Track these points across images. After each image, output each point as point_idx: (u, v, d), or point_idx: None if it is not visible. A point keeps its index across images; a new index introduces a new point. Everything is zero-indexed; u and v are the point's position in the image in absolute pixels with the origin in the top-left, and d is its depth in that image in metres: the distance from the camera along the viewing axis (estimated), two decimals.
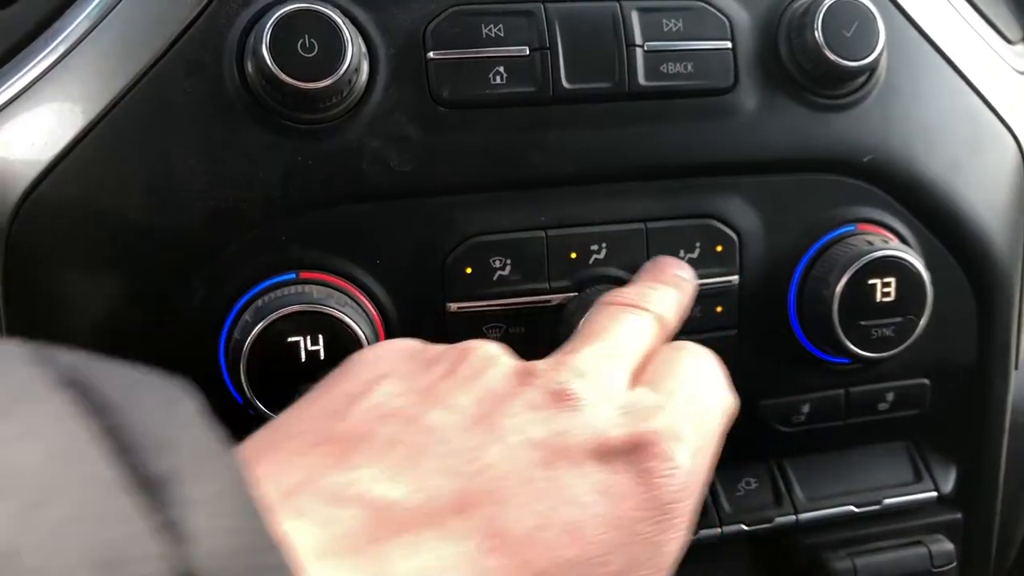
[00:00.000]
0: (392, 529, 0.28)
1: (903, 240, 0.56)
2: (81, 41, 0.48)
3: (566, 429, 0.33)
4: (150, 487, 0.19)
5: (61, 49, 0.48)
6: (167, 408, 0.21)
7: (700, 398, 0.38)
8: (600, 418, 0.34)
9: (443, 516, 0.29)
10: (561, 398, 0.34)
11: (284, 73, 0.45)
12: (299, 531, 0.27)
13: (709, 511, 0.59)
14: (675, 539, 0.34)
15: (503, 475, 0.31)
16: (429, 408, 0.33)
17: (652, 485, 0.33)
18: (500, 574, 0.29)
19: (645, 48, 0.51)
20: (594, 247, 0.52)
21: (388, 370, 0.36)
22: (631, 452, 0.33)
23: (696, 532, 0.58)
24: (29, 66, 0.49)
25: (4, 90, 0.49)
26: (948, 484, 0.63)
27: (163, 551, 0.18)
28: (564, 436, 0.33)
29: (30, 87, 0.48)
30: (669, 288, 0.46)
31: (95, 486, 0.18)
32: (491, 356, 0.36)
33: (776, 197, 0.54)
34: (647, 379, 0.38)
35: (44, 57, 0.48)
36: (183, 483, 0.19)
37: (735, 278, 0.54)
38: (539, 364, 0.36)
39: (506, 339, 0.51)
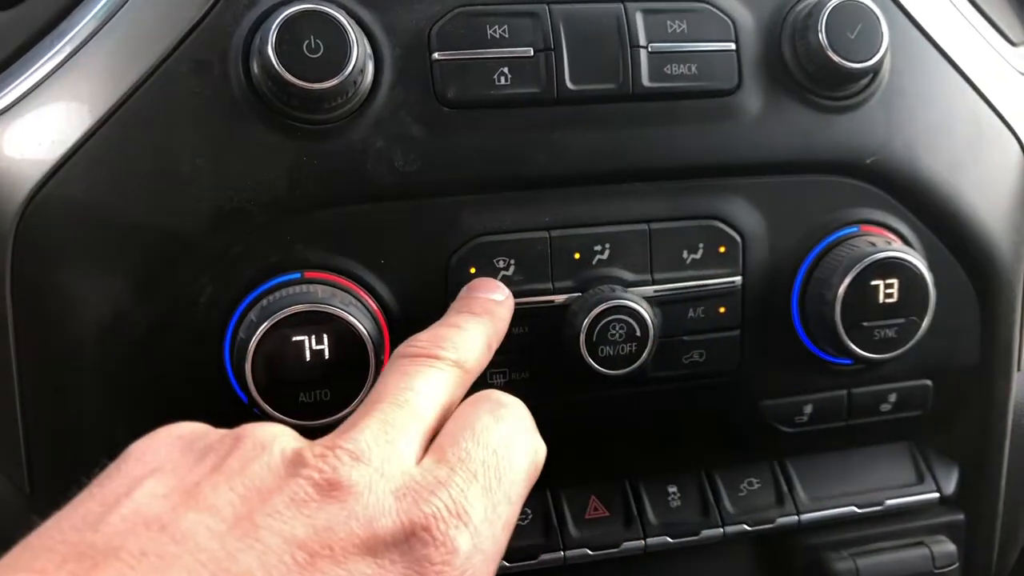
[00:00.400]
0: None
1: (906, 241, 0.57)
2: (88, 41, 0.48)
3: (331, 524, 0.31)
4: None
5: (68, 49, 0.48)
6: None
7: (497, 458, 0.36)
8: (371, 507, 0.32)
9: None
10: (329, 488, 0.32)
11: (290, 73, 0.45)
12: None
13: (711, 511, 0.59)
14: None
15: None
16: (187, 511, 0.31)
17: (425, 575, 0.31)
18: None
19: (649, 49, 0.51)
20: (597, 248, 0.52)
21: (158, 464, 0.34)
22: (404, 541, 0.32)
23: (699, 532, 0.59)
24: (36, 66, 0.49)
25: (11, 90, 0.49)
26: (950, 485, 0.63)
27: None
28: (328, 532, 0.31)
29: (37, 87, 0.48)
30: (474, 322, 0.45)
31: None
32: (263, 444, 0.34)
33: (779, 198, 0.55)
34: (440, 443, 0.36)
35: (51, 57, 0.49)
36: None
37: (738, 279, 0.54)
38: (313, 449, 0.34)
39: (509, 339, 0.51)
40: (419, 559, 0.31)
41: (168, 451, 0.35)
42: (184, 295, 0.47)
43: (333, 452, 0.33)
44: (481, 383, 0.51)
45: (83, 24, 0.49)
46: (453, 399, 0.40)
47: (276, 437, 0.35)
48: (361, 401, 0.46)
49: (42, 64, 0.49)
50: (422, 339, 0.42)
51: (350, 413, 0.47)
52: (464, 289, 0.49)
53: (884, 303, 0.53)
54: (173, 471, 0.33)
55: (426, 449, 0.36)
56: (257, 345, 0.45)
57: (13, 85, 0.49)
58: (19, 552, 0.30)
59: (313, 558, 0.30)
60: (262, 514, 0.31)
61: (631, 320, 0.50)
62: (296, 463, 0.33)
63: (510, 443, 0.37)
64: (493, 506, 0.34)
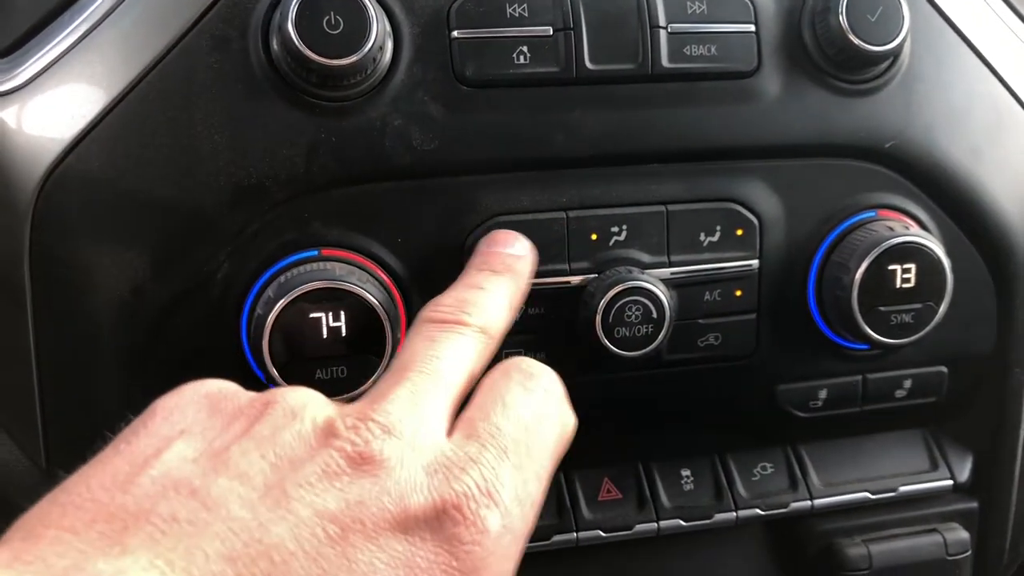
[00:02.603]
0: None
1: (923, 227, 0.56)
2: (107, 17, 0.48)
3: (363, 499, 0.31)
4: None
5: (86, 25, 0.48)
6: None
7: (528, 434, 0.36)
8: (403, 483, 0.32)
9: None
10: (361, 462, 0.32)
11: (309, 49, 0.45)
12: None
13: (725, 495, 0.59)
14: None
15: (286, 558, 0.29)
16: (217, 477, 0.31)
17: (455, 555, 0.31)
18: None
19: (669, 30, 0.51)
20: (614, 229, 0.52)
21: (186, 425, 0.34)
22: (435, 519, 0.31)
23: (712, 516, 0.59)
24: (54, 42, 0.49)
25: (29, 66, 0.49)
26: (964, 473, 0.63)
27: None
28: (360, 507, 0.31)
29: (55, 63, 0.48)
30: (496, 281, 0.44)
31: None
32: (294, 410, 0.34)
33: (797, 182, 0.54)
34: (470, 416, 0.36)
35: (69, 33, 0.49)
36: None
37: (755, 262, 0.54)
38: (344, 419, 0.33)
39: (525, 319, 0.51)
40: (449, 538, 0.31)
41: (196, 411, 0.34)
42: (202, 271, 0.48)
43: (365, 424, 0.33)
44: (497, 362, 0.52)
45: (101, 0, 0.49)
46: (479, 366, 0.40)
47: (306, 404, 0.34)
48: (377, 379, 0.47)
49: (61, 40, 0.49)
50: (446, 303, 0.42)
51: (366, 391, 0.47)
52: (482, 243, 0.48)
53: (901, 288, 0.53)
54: (201, 434, 0.33)
55: (453, 417, 0.36)
56: (274, 321, 0.45)
57: (32, 61, 0.49)
58: (47, 507, 0.30)
59: (345, 532, 0.30)
60: (293, 484, 0.31)
61: (647, 302, 0.50)
62: (328, 433, 0.33)
63: (541, 417, 0.37)
64: (523, 483, 0.34)
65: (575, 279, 0.52)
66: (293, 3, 0.45)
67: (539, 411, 0.37)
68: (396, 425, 0.33)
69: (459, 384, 0.38)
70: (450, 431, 0.35)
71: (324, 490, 0.31)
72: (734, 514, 0.59)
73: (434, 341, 0.39)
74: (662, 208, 0.52)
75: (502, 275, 0.45)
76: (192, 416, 0.34)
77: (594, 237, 0.52)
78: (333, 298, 0.45)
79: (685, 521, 0.58)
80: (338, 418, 0.33)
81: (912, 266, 0.53)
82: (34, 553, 0.27)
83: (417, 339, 0.39)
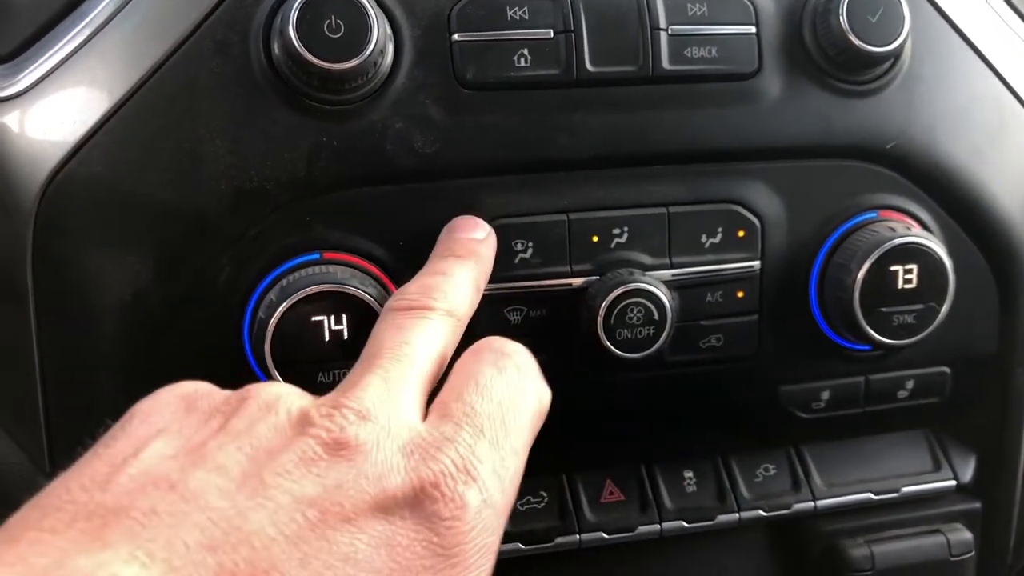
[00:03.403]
0: None
1: (925, 227, 0.56)
2: (108, 21, 0.48)
3: (341, 483, 0.31)
4: None
5: (89, 30, 0.49)
6: None
7: (502, 411, 0.36)
8: (380, 465, 0.32)
9: None
10: (337, 448, 0.32)
11: (310, 53, 0.45)
12: None
13: (727, 497, 0.59)
14: None
15: (266, 544, 0.29)
16: (195, 470, 0.31)
17: (436, 531, 0.31)
18: None
19: (669, 32, 0.51)
20: (616, 231, 0.52)
21: (163, 425, 0.34)
22: (414, 498, 0.32)
23: (714, 517, 0.59)
24: (57, 46, 0.49)
25: (32, 70, 0.49)
26: (967, 473, 0.63)
27: None
28: (339, 491, 0.31)
29: (58, 67, 0.49)
30: (459, 266, 0.45)
31: None
32: (268, 403, 0.34)
33: (799, 183, 0.54)
34: (443, 399, 0.36)
35: (72, 38, 0.49)
36: None
37: (757, 263, 0.54)
38: (319, 409, 0.34)
39: (527, 322, 0.51)
40: (429, 515, 0.31)
41: (173, 411, 0.35)
42: (204, 274, 0.48)
43: (339, 411, 0.33)
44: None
45: (103, 5, 0.49)
46: (448, 349, 0.40)
47: (280, 397, 0.35)
48: None
49: (63, 45, 0.49)
50: (411, 291, 0.42)
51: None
52: (444, 230, 0.49)
53: (903, 289, 0.53)
54: (179, 432, 0.33)
55: (427, 401, 0.37)
56: (276, 324, 0.45)
57: (34, 66, 0.49)
58: (27, 511, 0.30)
59: (324, 516, 0.30)
60: (271, 472, 0.31)
61: (649, 304, 0.50)
62: (303, 423, 0.33)
63: (514, 394, 0.37)
64: (500, 459, 0.34)
65: (576, 281, 0.52)
66: (294, 7, 0.45)
67: (513, 388, 0.37)
68: (370, 410, 0.34)
69: (430, 368, 0.38)
70: (424, 415, 0.36)
71: (301, 476, 0.31)
72: (737, 515, 0.59)
73: (402, 328, 0.39)
74: (663, 210, 0.52)
75: (465, 259, 0.46)
76: (169, 416, 0.35)
77: (595, 239, 0.52)
78: (335, 301, 0.46)
79: (688, 523, 0.58)
80: (312, 408, 0.34)
81: (914, 267, 0.53)
82: (15, 554, 0.28)
83: (384, 328, 0.40)
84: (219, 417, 0.34)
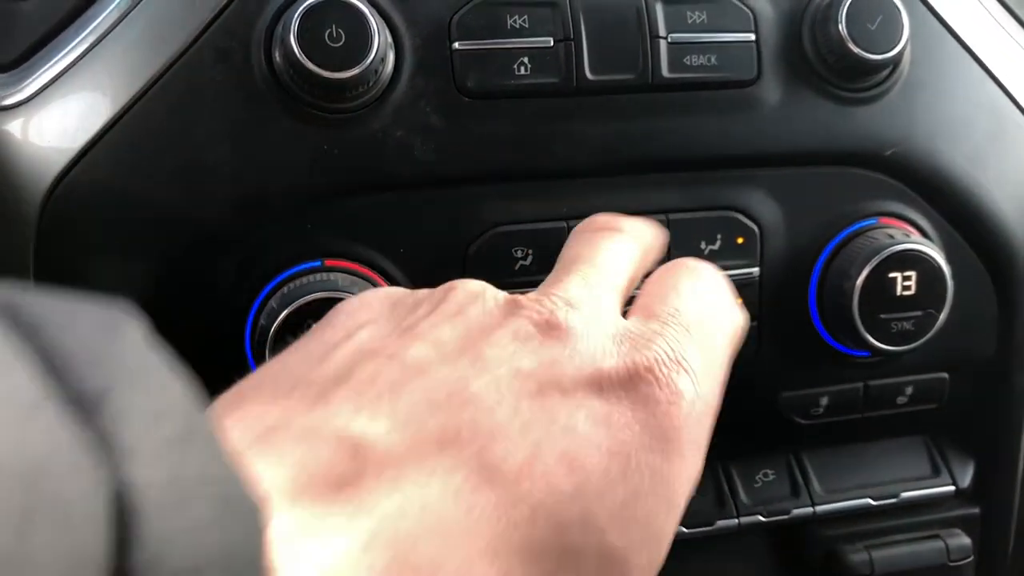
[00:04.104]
0: (373, 466, 0.26)
1: (924, 234, 0.56)
2: (111, 30, 0.49)
3: (556, 359, 0.31)
4: (81, 402, 0.17)
5: (92, 38, 0.49)
6: (106, 330, 0.19)
7: (702, 322, 0.35)
8: (592, 347, 0.32)
9: (427, 451, 0.27)
10: (550, 328, 0.32)
11: (311, 62, 0.45)
12: (270, 471, 0.25)
13: (727, 502, 0.59)
14: (683, 470, 0.31)
15: (490, 407, 0.29)
16: (410, 344, 0.31)
17: (653, 414, 0.30)
18: (491, 510, 0.27)
19: (669, 40, 0.51)
20: None
21: (371, 317, 0.34)
22: (628, 381, 0.31)
23: (713, 522, 0.59)
24: (60, 55, 0.49)
25: (36, 78, 0.49)
26: (966, 478, 0.63)
27: (92, 462, 0.16)
28: (554, 366, 0.31)
29: (61, 75, 0.49)
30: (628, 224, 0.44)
31: (17, 400, 0.16)
32: (475, 292, 0.34)
33: (798, 190, 0.54)
34: (644, 303, 0.35)
35: (75, 46, 0.49)
36: (120, 397, 0.17)
37: (756, 270, 0.54)
38: (525, 296, 0.34)
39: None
40: (644, 398, 0.31)
41: (378, 307, 0.35)
42: (206, 282, 0.48)
43: (548, 298, 0.33)
44: None
45: (106, 13, 0.49)
46: (638, 271, 0.39)
47: (485, 287, 0.35)
48: None
49: (66, 53, 0.49)
50: (599, 217, 0.42)
51: None
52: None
53: (902, 295, 0.53)
54: (388, 320, 0.34)
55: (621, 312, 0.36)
56: (277, 332, 0.45)
57: (37, 74, 0.50)
58: (241, 387, 0.30)
59: (542, 389, 0.30)
60: (487, 345, 0.31)
61: None
62: (512, 306, 0.33)
63: (715, 307, 0.37)
64: (708, 363, 0.34)
65: None
66: (295, 16, 0.45)
67: (713, 301, 0.37)
68: (576, 300, 0.33)
69: (624, 282, 0.37)
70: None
71: (516, 351, 0.31)
72: (736, 521, 0.59)
73: (594, 244, 0.39)
74: (663, 217, 0.53)
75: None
76: (376, 310, 0.35)
77: None
78: None
79: (687, 528, 0.59)
80: (519, 296, 0.34)
81: (913, 273, 0.53)
82: (237, 416, 0.28)
83: (577, 243, 0.39)
84: (427, 305, 0.34)
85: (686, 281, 0.37)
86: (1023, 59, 0.61)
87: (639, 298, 0.36)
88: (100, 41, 0.49)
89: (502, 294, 0.35)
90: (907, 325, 0.54)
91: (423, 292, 0.36)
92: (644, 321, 0.34)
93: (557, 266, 0.38)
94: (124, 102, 0.47)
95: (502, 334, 0.32)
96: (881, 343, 0.53)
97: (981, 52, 0.58)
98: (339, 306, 0.36)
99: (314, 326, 0.35)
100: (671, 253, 0.53)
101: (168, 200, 0.47)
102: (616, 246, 0.39)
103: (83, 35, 0.49)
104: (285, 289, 0.47)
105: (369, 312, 0.35)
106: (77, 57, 0.49)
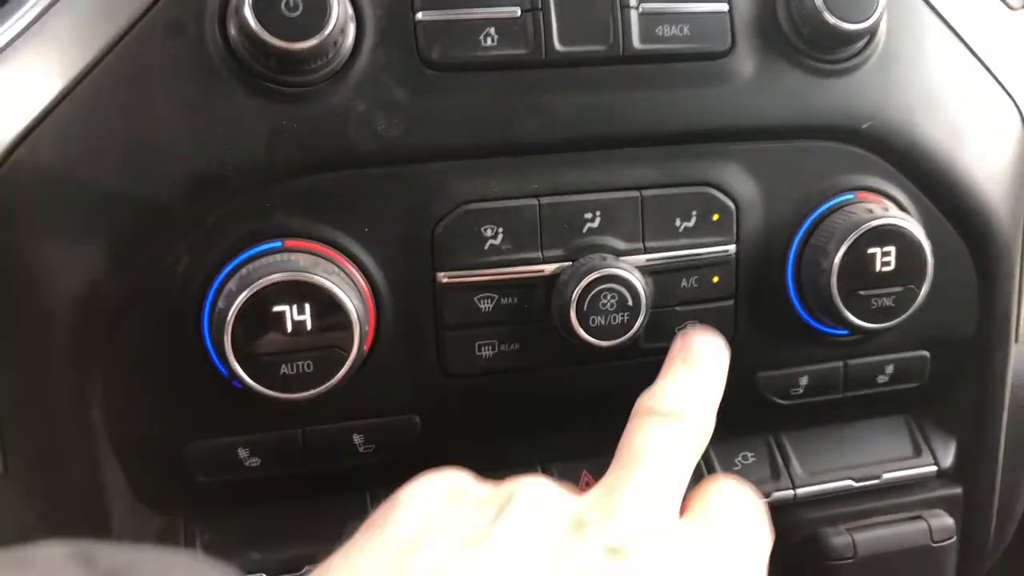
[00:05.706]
0: None
1: (903, 208, 0.55)
2: (57, 1, 0.46)
3: None
4: None
5: (37, 9, 0.47)
6: None
7: (743, 541, 0.39)
8: (660, 571, 0.34)
9: None
10: (617, 556, 0.34)
11: (268, 33, 0.43)
12: None
13: None
14: None
15: None
16: (486, 559, 0.33)
17: None
18: None
19: (640, 10, 0.50)
20: (588, 215, 0.51)
21: (435, 515, 0.36)
22: None
23: None
24: (3, 28, 0.47)
25: None
26: (948, 458, 0.62)
27: None
28: None
29: (4, 49, 0.47)
30: (706, 376, 0.45)
31: None
32: (539, 501, 0.36)
33: (774, 165, 0.53)
34: (692, 517, 0.39)
35: (19, 18, 0.47)
36: None
37: (732, 247, 0.53)
38: (590, 512, 0.36)
39: (497, 310, 0.50)
40: None
41: (439, 503, 0.36)
42: (161, 264, 0.46)
43: (613, 519, 0.35)
44: (469, 354, 0.51)
45: None
46: (693, 464, 0.41)
47: (547, 490, 0.37)
48: (347, 375, 0.45)
49: (9, 26, 0.47)
50: (665, 396, 0.43)
51: (334, 386, 0.45)
52: (680, 339, 0.48)
53: (881, 271, 0.52)
54: (456, 522, 0.35)
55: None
56: (236, 316, 0.44)
57: None
58: None
59: None
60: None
61: (622, 289, 0.49)
62: (579, 525, 0.35)
63: (753, 531, 0.41)
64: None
65: (548, 268, 0.50)
66: None
67: (751, 528, 0.40)
68: (638, 518, 0.36)
69: (682, 486, 0.40)
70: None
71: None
72: None
73: (658, 441, 0.40)
74: (636, 193, 0.51)
75: (705, 370, 0.46)
76: (437, 506, 0.36)
77: (567, 224, 0.50)
78: (297, 291, 0.44)
79: None
80: (582, 507, 0.36)
81: (892, 249, 0.52)
82: None
83: (640, 433, 0.41)
84: (491, 507, 0.36)
85: (731, 503, 0.41)
86: (1000, 32, 0.60)
87: (689, 506, 0.40)
88: (45, 14, 0.46)
89: (564, 502, 0.36)
90: (887, 301, 0.52)
91: (483, 491, 0.37)
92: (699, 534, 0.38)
93: (618, 457, 0.40)
94: (71, 78, 0.45)
95: (575, 564, 0.34)
96: (861, 320, 0.52)
97: (958, 24, 0.57)
98: (398, 497, 0.37)
99: (373, 516, 0.36)
100: (646, 232, 0.51)
101: (119, 179, 0.45)
102: (679, 444, 0.41)
103: (27, 7, 0.47)
104: (244, 271, 0.45)
105: (429, 508, 0.36)
106: (20, 31, 0.46)
